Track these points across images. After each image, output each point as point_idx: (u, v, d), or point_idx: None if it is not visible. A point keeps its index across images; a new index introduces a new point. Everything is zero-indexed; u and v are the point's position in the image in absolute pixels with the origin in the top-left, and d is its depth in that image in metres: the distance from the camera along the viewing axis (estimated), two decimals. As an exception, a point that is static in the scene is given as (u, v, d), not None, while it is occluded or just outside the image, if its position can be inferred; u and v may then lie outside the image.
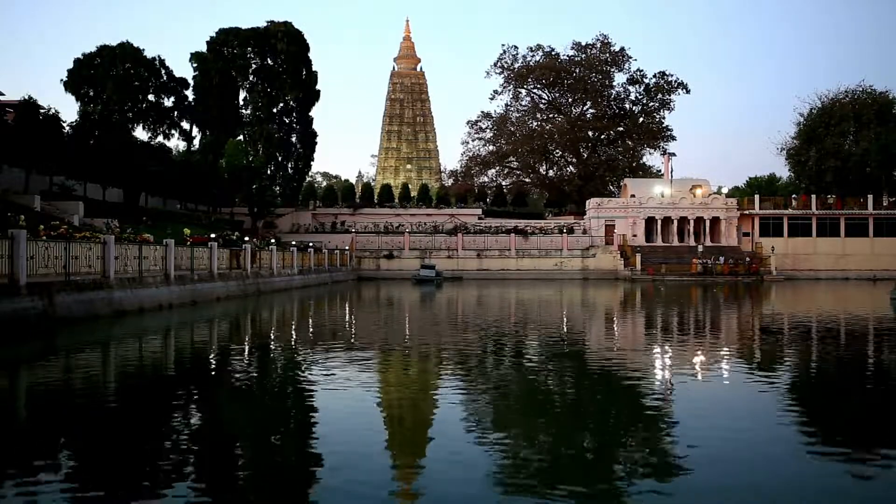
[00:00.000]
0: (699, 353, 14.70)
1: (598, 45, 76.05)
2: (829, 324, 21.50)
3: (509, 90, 79.01)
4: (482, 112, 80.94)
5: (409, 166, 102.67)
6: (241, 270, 32.92)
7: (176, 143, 62.26)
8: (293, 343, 16.66)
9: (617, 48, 76.05)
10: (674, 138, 77.66)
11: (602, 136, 78.79)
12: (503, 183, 79.96)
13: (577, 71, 76.19)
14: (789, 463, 6.66)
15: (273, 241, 45.39)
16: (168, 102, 58.01)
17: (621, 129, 77.77)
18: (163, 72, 56.09)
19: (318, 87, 68.42)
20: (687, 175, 73.30)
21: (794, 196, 67.09)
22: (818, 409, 9.49)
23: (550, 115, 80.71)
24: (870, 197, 63.16)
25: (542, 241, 61.59)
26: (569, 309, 28.88)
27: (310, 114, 68.73)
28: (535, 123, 80.00)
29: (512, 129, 79.19)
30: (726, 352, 14.97)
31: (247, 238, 39.93)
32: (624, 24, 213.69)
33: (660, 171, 75.08)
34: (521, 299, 32.99)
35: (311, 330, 19.77)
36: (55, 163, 35.14)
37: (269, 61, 65.91)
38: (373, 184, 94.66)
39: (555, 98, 79.83)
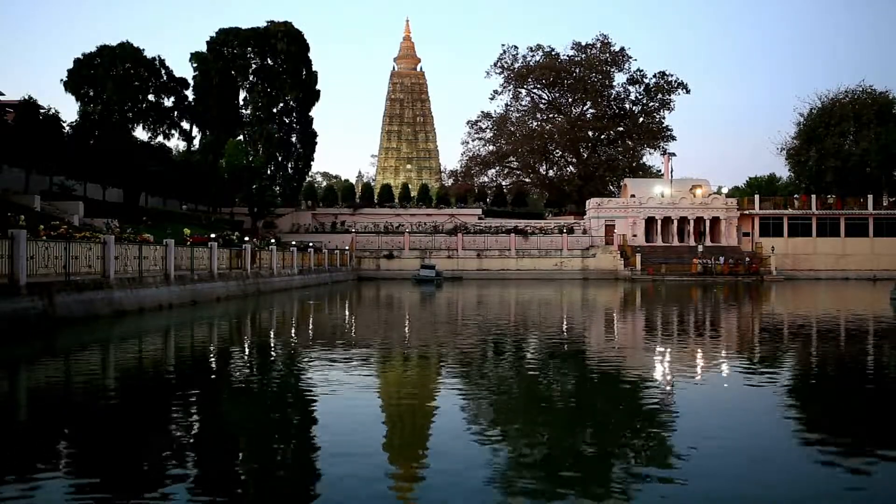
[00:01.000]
0: (699, 352, 14.70)
1: (598, 45, 76.08)
2: (829, 324, 21.49)
3: (509, 90, 79.09)
4: (482, 112, 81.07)
5: (409, 166, 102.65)
6: (241, 270, 32.92)
7: (176, 143, 62.37)
8: (293, 343, 16.65)
9: (617, 48, 76.13)
10: (674, 138, 77.78)
11: (602, 136, 78.79)
12: (503, 183, 79.96)
13: (577, 71, 76.18)
14: (789, 463, 6.66)
15: (273, 241, 45.39)
16: (168, 102, 58.03)
17: (621, 129, 77.77)
18: (163, 72, 56.10)
19: (318, 87, 68.44)
20: (687, 175, 73.47)
21: (794, 196, 67.10)
22: (818, 408, 9.49)
23: (550, 115, 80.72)
24: (870, 197, 63.16)
25: (542, 241, 61.59)
26: (569, 309, 28.87)
27: (310, 114, 68.73)
28: (535, 123, 80.00)
29: (512, 129, 79.17)
30: (726, 352, 14.97)
31: (247, 238, 39.94)
32: (624, 24, 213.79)
33: (660, 171, 75.11)
34: (521, 299, 32.99)
35: (310, 330, 19.77)
36: (55, 163, 35.14)
37: (269, 61, 65.90)
38: (373, 184, 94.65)
39: (555, 98, 79.83)
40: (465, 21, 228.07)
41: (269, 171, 64.04)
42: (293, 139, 68.03)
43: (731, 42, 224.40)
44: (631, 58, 76.01)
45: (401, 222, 65.35)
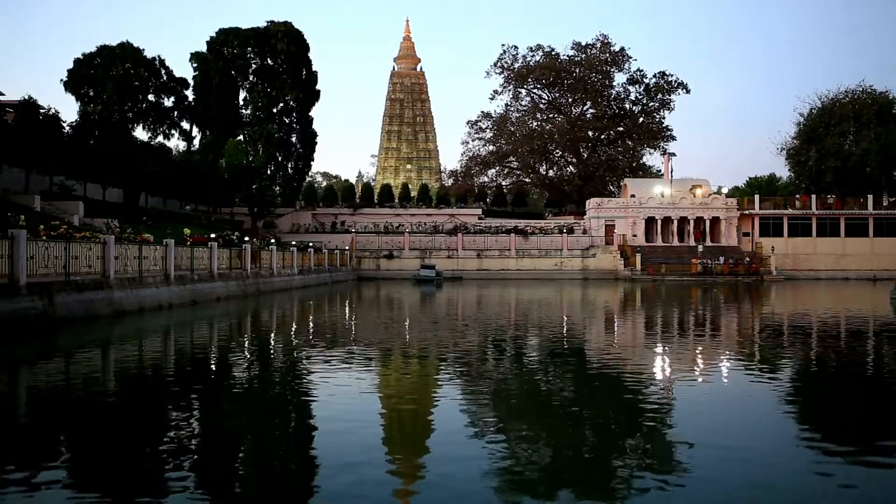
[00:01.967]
0: (698, 352, 14.70)
1: (598, 45, 76.09)
2: (829, 324, 21.49)
3: (509, 90, 79.11)
4: (482, 112, 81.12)
5: (409, 166, 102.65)
6: (241, 270, 32.92)
7: (176, 143, 62.33)
8: (293, 343, 16.65)
9: (617, 48, 76.15)
10: (674, 138, 77.80)
11: (602, 136, 78.79)
12: (503, 183, 79.96)
13: (577, 71, 76.18)
14: (790, 463, 6.66)
15: (273, 241, 45.40)
16: (168, 102, 57.98)
17: (621, 129, 77.77)
18: (163, 72, 56.05)
19: (318, 87, 68.43)
20: (687, 175, 73.47)
21: (795, 196, 67.09)
22: (819, 408, 9.49)
23: (550, 115, 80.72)
24: (870, 197, 63.16)
25: (542, 241, 61.59)
26: (569, 309, 28.87)
27: (310, 114, 68.72)
28: (535, 123, 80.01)
29: (512, 129, 79.18)
30: (726, 351, 14.97)
31: (247, 238, 39.93)
32: (624, 24, 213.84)
33: (660, 171, 75.09)
34: (521, 299, 32.99)
35: (310, 330, 19.76)
36: (55, 163, 35.14)
37: (269, 61, 65.89)
38: (373, 184, 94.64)
39: (555, 98, 79.83)
40: (465, 21, 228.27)
41: (269, 171, 64.03)
42: (293, 139, 68.02)
43: (730, 42, 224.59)
44: (631, 58, 76.20)
45: (401, 222, 65.35)
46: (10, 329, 15.45)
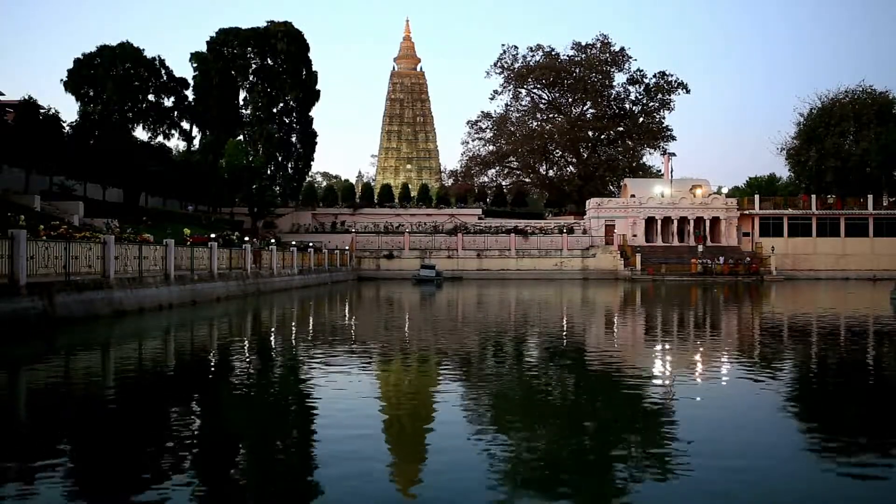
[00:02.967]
0: (698, 352, 14.70)
1: (598, 45, 76.09)
2: (829, 324, 21.48)
3: (509, 90, 79.12)
4: (482, 112, 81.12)
5: (409, 166, 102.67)
6: (241, 270, 32.92)
7: (176, 143, 62.35)
8: (293, 343, 16.65)
9: (617, 48, 76.15)
10: (674, 138, 77.82)
11: (602, 136, 78.81)
12: (503, 183, 79.98)
13: (577, 71, 76.18)
14: (790, 462, 6.66)
15: (273, 241, 45.40)
16: (168, 102, 57.99)
17: (621, 129, 77.78)
18: (163, 72, 56.06)
19: (318, 87, 68.47)
20: (687, 175, 73.46)
21: (795, 196, 67.08)
22: (819, 408, 9.48)
23: (550, 115, 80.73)
24: (870, 197, 63.17)
25: (542, 241, 61.60)
26: (569, 309, 28.88)
27: (310, 114, 68.76)
28: (535, 123, 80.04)
29: (512, 129, 79.20)
30: (726, 351, 14.96)
31: (247, 238, 39.93)
32: (624, 24, 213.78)
33: (660, 171, 75.10)
34: (521, 299, 32.99)
35: (310, 330, 19.77)
36: (55, 163, 35.14)
37: (269, 61, 65.93)
38: (373, 184, 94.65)
39: (555, 98, 79.84)
40: (465, 21, 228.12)
41: (269, 171, 64.05)
42: (293, 139, 68.06)
43: (730, 42, 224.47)
44: (631, 58, 76.20)
45: (401, 222, 65.35)
46: (10, 329, 15.45)
